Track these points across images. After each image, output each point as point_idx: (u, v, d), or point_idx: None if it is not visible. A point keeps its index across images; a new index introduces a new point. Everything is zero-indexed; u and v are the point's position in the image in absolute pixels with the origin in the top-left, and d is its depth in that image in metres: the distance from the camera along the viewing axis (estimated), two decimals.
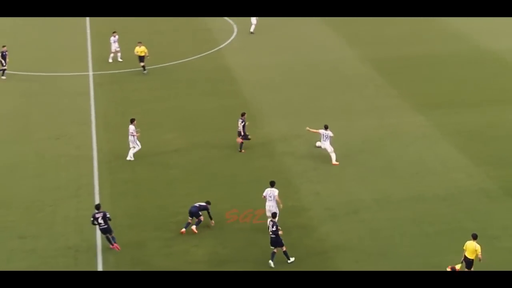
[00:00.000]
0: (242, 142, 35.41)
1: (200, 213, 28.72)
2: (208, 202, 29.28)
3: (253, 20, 53.64)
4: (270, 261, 26.63)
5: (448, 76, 45.38)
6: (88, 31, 54.22)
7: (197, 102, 41.47)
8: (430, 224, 29.36)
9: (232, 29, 55.10)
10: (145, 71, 45.17)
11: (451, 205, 30.72)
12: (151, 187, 32.30)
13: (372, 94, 42.72)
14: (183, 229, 28.66)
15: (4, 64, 44.44)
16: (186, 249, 27.75)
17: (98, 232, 28.12)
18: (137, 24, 56.28)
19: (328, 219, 29.78)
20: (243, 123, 35.34)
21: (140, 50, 44.89)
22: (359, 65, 47.48)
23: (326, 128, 34.43)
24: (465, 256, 25.24)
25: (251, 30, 53.88)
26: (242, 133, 35.37)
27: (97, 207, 27.80)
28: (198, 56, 49.17)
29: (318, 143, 35.37)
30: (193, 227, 28.74)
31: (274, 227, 26.62)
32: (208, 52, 49.92)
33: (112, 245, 27.54)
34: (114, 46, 47.63)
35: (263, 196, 29.45)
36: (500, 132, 37.42)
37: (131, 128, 34.47)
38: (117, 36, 47.73)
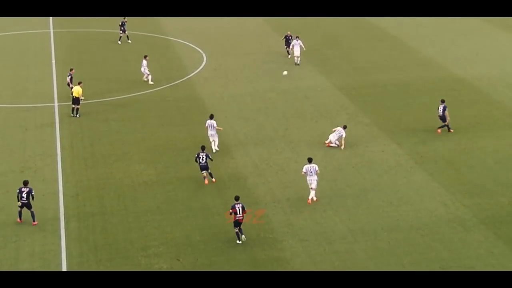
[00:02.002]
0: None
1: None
2: (203, 148, 34.51)
3: (296, 52, 52.68)
4: (243, 236, 29.60)
5: (421, 103, 45.29)
6: (53, 61, 53.40)
7: (167, 132, 40.78)
8: (406, 254, 28.92)
9: (201, 57, 54.72)
10: (77, 115, 42.96)
11: (426, 234, 30.35)
12: (120, 220, 31.41)
13: (344, 122, 42.30)
14: (206, 180, 34.47)
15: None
16: None
17: (65, 268, 27.37)
18: (105, 54, 55.85)
19: (302, 251, 29.15)
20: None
21: (79, 91, 42.75)
22: (331, 92, 47.24)
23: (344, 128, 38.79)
24: None
25: (297, 62, 52.82)
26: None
27: (25, 182, 30.86)
28: (168, 85, 48.61)
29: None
30: (206, 180, 34.27)
31: (242, 209, 29.53)
32: (178, 81, 49.40)
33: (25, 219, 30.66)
34: (144, 70, 48.58)
35: (303, 173, 33.02)
36: (474, 160, 37.26)
37: (215, 123, 37.95)
38: (145, 62, 48.59)
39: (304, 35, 60.56)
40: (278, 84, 48.75)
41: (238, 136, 40.28)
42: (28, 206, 30.64)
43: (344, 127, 38.85)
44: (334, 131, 38.96)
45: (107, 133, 40.65)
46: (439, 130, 40.52)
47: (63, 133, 40.35)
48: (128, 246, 29.45)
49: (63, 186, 34.28)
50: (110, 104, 45.11)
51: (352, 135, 40.28)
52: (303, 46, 52.77)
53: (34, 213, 30.79)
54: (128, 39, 58.75)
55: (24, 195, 30.46)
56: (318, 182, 33.10)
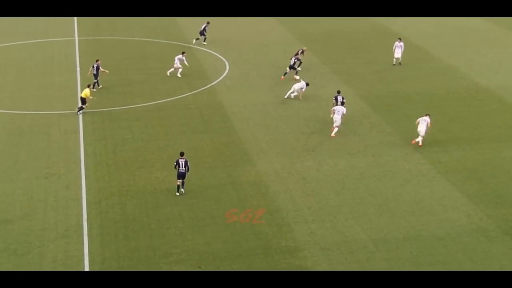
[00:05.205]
0: None
1: None
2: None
3: (397, 54, 54.64)
4: (178, 193, 33.98)
5: (444, 113, 45.07)
6: (78, 68, 53.82)
7: (189, 139, 40.91)
8: (428, 264, 28.79)
9: (224, 65, 54.90)
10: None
11: (449, 244, 30.21)
12: (142, 227, 31.55)
13: (367, 131, 42.29)
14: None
15: (97, 78, 48.49)
16: None
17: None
18: (128, 62, 56.19)
19: (323, 260, 29.11)
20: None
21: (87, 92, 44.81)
22: (353, 101, 47.11)
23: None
24: None
25: (399, 61, 54.82)
26: None
27: None
28: (191, 93, 48.78)
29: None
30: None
31: (186, 163, 33.60)
32: (201, 89, 49.56)
33: None
34: (177, 63, 51.72)
35: (332, 110, 40.92)
36: (498, 170, 37.01)
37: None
38: (184, 57, 51.97)
39: (326, 43, 60.81)
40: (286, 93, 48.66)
41: (260, 144, 40.32)
42: None
43: (427, 115, 39.94)
44: (418, 122, 39.82)
45: (130, 140, 40.86)
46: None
47: (86, 140, 40.64)
48: (150, 253, 29.58)
49: (86, 193, 34.48)
50: (133, 111, 45.36)
51: (374, 144, 40.22)
52: (403, 48, 54.65)
53: None
54: (203, 41, 60.77)
55: None
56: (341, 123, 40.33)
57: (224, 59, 56.55)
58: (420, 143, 39.53)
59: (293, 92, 47.22)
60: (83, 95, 44.41)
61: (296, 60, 52.16)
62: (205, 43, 60.32)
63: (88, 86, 45.22)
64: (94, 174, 36.44)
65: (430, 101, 47.24)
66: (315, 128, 42.71)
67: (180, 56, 52.07)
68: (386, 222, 31.92)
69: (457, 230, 31.23)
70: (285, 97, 47.27)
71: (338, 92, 43.56)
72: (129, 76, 52.51)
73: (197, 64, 55.44)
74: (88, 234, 30.82)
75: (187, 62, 51.97)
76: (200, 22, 62.27)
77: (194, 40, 60.36)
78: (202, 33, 60.40)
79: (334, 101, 43.25)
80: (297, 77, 49.12)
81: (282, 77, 51.24)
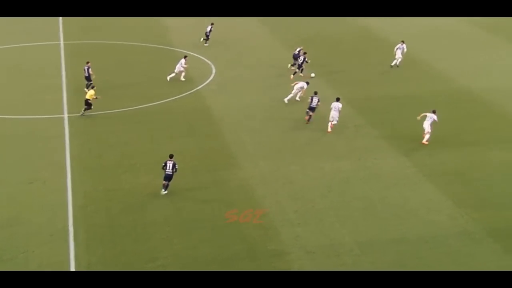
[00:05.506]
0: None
1: None
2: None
3: (398, 55, 55.71)
4: (163, 191, 34.44)
5: None
6: (63, 73, 53.63)
7: (175, 143, 40.84)
8: (413, 267, 28.88)
9: (210, 69, 54.89)
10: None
11: (434, 247, 30.36)
12: (128, 232, 31.49)
13: (352, 134, 42.41)
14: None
15: (91, 80, 48.38)
16: None
17: None
18: (113, 66, 56.07)
19: (309, 263, 29.19)
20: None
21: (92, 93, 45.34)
22: None
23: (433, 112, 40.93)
24: None
25: (396, 63, 55.57)
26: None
27: None
28: (177, 97, 48.73)
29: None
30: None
31: (173, 166, 34.00)
32: (187, 93, 49.52)
33: None
34: (179, 67, 51.46)
35: (331, 108, 42.25)
36: (482, 173, 37.23)
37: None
38: (184, 61, 51.71)
39: (311, 45, 60.74)
40: (287, 96, 48.72)
41: (246, 148, 40.35)
42: None
43: (434, 112, 40.66)
44: (425, 116, 40.52)
45: (116, 144, 40.77)
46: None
47: (72, 144, 40.50)
48: (136, 257, 29.52)
49: (72, 197, 34.39)
50: (119, 115, 45.26)
51: (360, 147, 40.34)
52: (405, 50, 55.81)
53: None
54: (201, 40, 61.65)
55: None
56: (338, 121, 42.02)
57: (210, 63, 56.56)
58: (426, 141, 40.49)
59: (295, 95, 47.45)
60: (88, 97, 44.58)
61: (303, 59, 52.57)
62: (203, 42, 61.07)
63: (93, 87, 45.76)
64: (80, 179, 36.32)
65: (417, 104, 47.28)
66: (301, 131, 42.78)
67: (182, 60, 51.96)
68: (371, 225, 32.03)
69: (442, 233, 31.39)
70: (287, 100, 47.36)
71: (315, 93, 43.93)
72: (114, 80, 52.33)
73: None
74: (73, 239, 30.72)
75: (182, 67, 51.58)
76: (187, 24, 62.39)
77: (203, 42, 61.28)
78: (207, 34, 61.10)
79: (309, 100, 43.84)
80: (313, 75, 49.64)
81: (301, 74, 52.18)
